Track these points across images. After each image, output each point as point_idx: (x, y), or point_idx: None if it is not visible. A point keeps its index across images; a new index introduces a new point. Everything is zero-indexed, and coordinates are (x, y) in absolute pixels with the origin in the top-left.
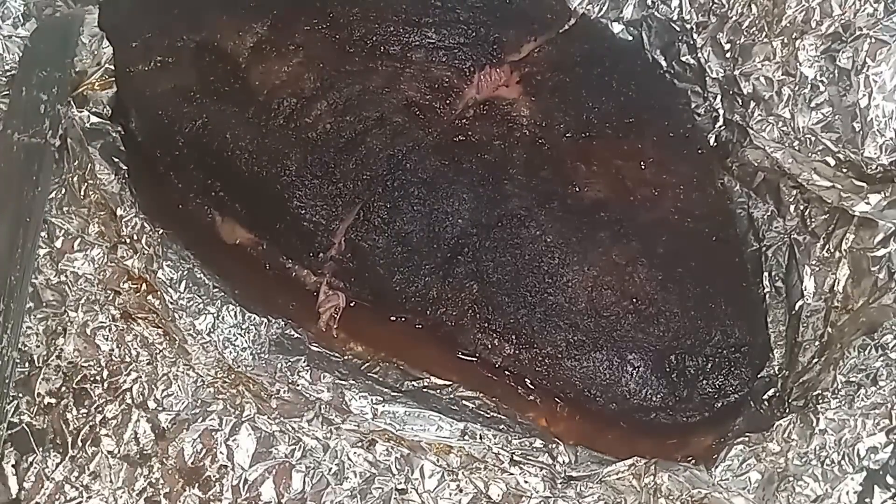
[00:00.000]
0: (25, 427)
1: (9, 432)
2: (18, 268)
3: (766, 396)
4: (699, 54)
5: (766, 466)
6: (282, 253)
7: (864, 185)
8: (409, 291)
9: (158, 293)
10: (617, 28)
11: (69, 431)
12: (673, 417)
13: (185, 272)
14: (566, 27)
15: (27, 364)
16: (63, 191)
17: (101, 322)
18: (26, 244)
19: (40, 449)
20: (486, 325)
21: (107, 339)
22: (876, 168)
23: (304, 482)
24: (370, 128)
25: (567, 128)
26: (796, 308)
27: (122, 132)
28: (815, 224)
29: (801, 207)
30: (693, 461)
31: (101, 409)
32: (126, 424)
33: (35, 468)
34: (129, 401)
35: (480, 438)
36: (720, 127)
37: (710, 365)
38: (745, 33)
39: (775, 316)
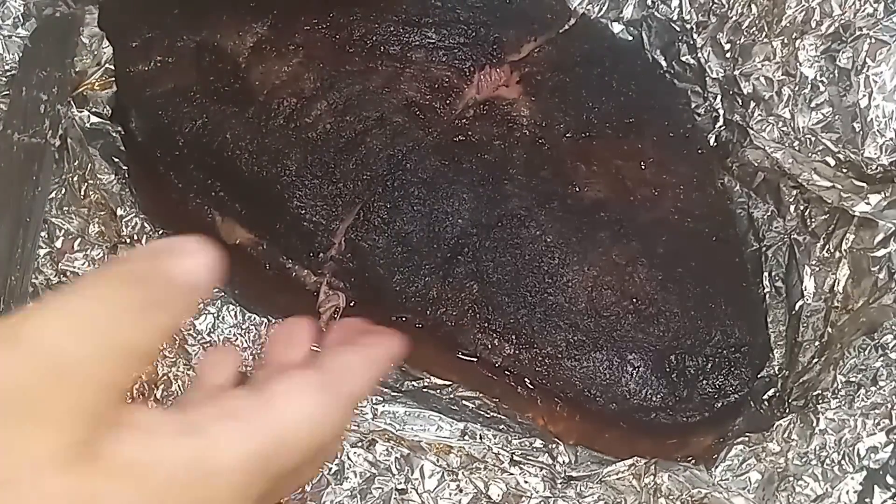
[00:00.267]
0: None
1: None
2: (18, 268)
3: (766, 396)
4: (699, 54)
5: (766, 466)
6: (282, 253)
7: (864, 185)
8: (409, 291)
9: None
10: (617, 28)
11: None
12: (673, 417)
13: None
14: (566, 27)
15: None
16: (63, 191)
17: None
18: (26, 244)
19: None
20: (486, 325)
21: None
22: (876, 168)
23: None
24: (370, 128)
25: (567, 128)
26: (796, 308)
27: (122, 132)
28: (815, 224)
29: (801, 207)
30: (693, 461)
31: None
32: None
33: None
34: (128, 401)
35: (480, 438)
36: (720, 127)
37: (710, 365)
38: (745, 33)
39: (775, 316)
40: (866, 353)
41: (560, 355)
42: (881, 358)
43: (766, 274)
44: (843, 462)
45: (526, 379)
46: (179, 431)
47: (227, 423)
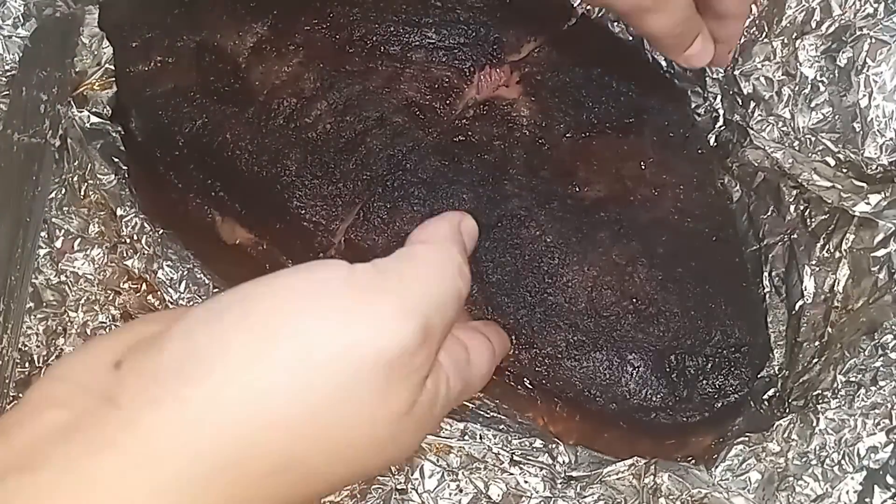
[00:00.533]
0: None
1: None
2: (18, 268)
3: (765, 396)
4: None
5: (766, 466)
6: (282, 253)
7: (864, 185)
8: None
9: (158, 293)
10: (617, 28)
11: None
12: (673, 417)
13: (185, 272)
14: (566, 27)
15: (27, 364)
16: (63, 191)
17: (102, 322)
18: (26, 244)
19: None
20: None
21: None
22: (876, 168)
23: None
24: (370, 128)
25: (567, 128)
26: (796, 308)
27: (122, 132)
28: (815, 224)
29: (801, 207)
30: (693, 461)
31: None
32: None
33: None
34: None
35: (480, 438)
36: (720, 127)
37: (710, 365)
38: (745, 33)
39: (775, 316)
40: (866, 353)
41: (560, 355)
42: (881, 358)
43: (766, 274)
44: (843, 462)
45: (526, 379)
46: None
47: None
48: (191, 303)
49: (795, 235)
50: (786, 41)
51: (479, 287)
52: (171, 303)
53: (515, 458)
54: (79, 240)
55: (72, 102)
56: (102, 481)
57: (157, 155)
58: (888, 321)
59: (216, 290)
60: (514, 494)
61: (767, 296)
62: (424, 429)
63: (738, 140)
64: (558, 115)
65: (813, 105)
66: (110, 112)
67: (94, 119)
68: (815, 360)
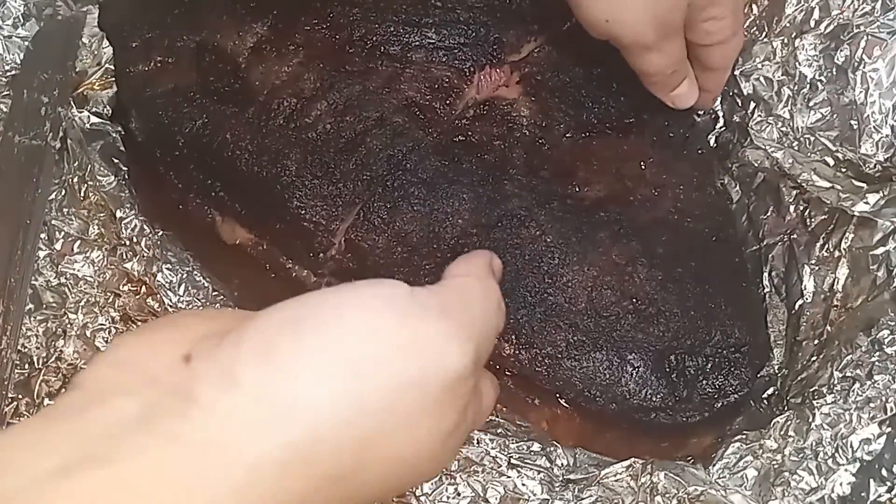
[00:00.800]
0: None
1: None
2: (18, 270)
3: (765, 395)
4: None
5: (762, 463)
6: (282, 253)
7: (863, 185)
8: None
9: (158, 296)
10: None
11: None
12: (673, 417)
13: (185, 275)
14: (566, 27)
15: (27, 366)
16: (63, 192)
17: (101, 324)
18: (26, 246)
19: None
20: None
21: (106, 342)
22: (874, 166)
23: None
24: (370, 128)
25: (567, 128)
26: (796, 307)
27: (122, 132)
28: (815, 224)
29: (801, 208)
30: (692, 460)
31: None
32: None
33: None
34: None
35: (478, 442)
36: (720, 128)
37: (710, 365)
38: (746, 33)
39: (775, 315)
40: (863, 348)
41: (560, 355)
42: (877, 353)
43: (766, 274)
44: (836, 455)
45: (526, 380)
46: None
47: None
48: (190, 306)
49: (795, 235)
50: (786, 41)
51: None
52: (171, 306)
53: (513, 461)
54: (78, 242)
55: (72, 102)
56: (180, 475)
57: (157, 155)
58: (885, 317)
59: (215, 292)
60: (512, 497)
61: (767, 296)
62: (457, 450)
63: (737, 140)
64: (558, 115)
65: (812, 104)
66: (110, 112)
67: (94, 119)
68: (814, 358)
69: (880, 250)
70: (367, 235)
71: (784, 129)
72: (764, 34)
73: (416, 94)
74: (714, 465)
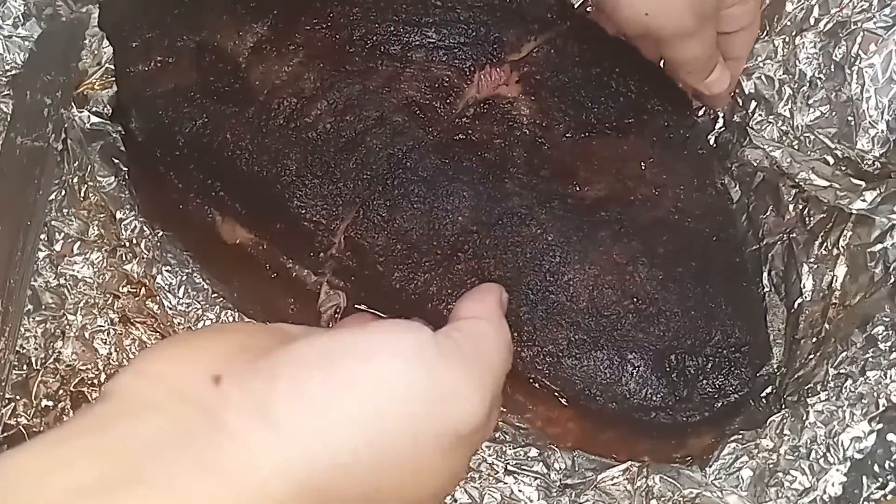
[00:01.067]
0: (22, 429)
1: (5, 435)
2: (18, 270)
3: (763, 394)
4: None
5: (758, 463)
6: (282, 253)
7: (861, 182)
8: (409, 289)
9: (157, 298)
10: None
11: None
12: (673, 417)
13: (185, 277)
14: (566, 27)
15: (25, 367)
16: (63, 192)
17: (100, 326)
18: (26, 247)
19: None
20: None
21: (105, 343)
22: (872, 163)
23: None
24: (370, 127)
25: (567, 128)
26: (795, 306)
27: (123, 132)
28: (814, 222)
29: (800, 207)
30: (690, 461)
31: None
32: None
33: None
34: None
35: None
36: (720, 128)
37: (710, 365)
38: None
39: (775, 314)
40: (857, 345)
41: (561, 353)
42: (871, 349)
43: (765, 273)
44: (828, 454)
45: (527, 378)
46: None
47: None
48: (190, 308)
49: (794, 234)
50: (787, 39)
51: (480, 283)
52: (170, 308)
53: (510, 467)
54: (78, 243)
55: (73, 103)
56: (203, 501)
57: (158, 155)
58: (881, 313)
59: (215, 294)
60: (509, 503)
61: (767, 295)
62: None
63: (737, 140)
64: (558, 115)
65: (811, 102)
66: (110, 112)
67: (94, 119)
68: (812, 356)
69: (878, 247)
70: (367, 233)
71: (784, 127)
72: (765, 32)
73: (416, 94)
74: (711, 466)
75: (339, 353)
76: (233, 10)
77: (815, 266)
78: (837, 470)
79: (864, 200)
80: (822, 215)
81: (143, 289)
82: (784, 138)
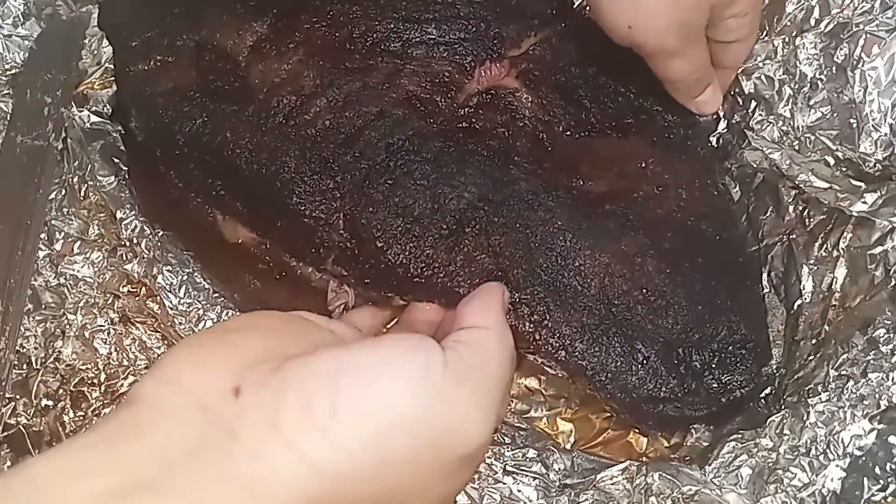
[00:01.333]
0: (22, 429)
1: (5, 434)
2: (18, 270)
3: (762, 395)
4: None
5: (757, 461)
6: (284, 250)
7: (861, 184)
8: (413, 266)
9: (158, 298)
10: None
11: (66, 434)
12: (680, 410)
13: (185, 277)
14: (565, 24)
15: (25, 366)
16: (63, 192)
17: (100, 325)
18: (26, 246)
19: (36, 451)
20: None
21: (105, 343)
22: (874, 165)
23: None
24: (370, 122)
25: (566, 126)
26: (795, 307)
27: (123, 131)
28: (814, 224)
29: (800, 208)
30: (689, 459)
31: (98, 412)
32: None
33: None
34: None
35: None
36: (721, 128)
37: (716, 360)
38: None
39: (774, 315)
40: (858, 347)
41: (574, 336)
42: (872, 352)
43: (765, 274)
44: (828, 451)
45: (541, 361)
46: None
47: None
48: (191, 308)
49: (794, 235)
50: (787, 40)
51: (490, 259)
52: (171, 308)
53: (509, 468)
54: (78, 242)
55: (72, 102)
56: None
57: (158, 154)
58: (881, 316)
59: (216, 294)
60: (509, 503)
61: (767, 296)
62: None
63: (738, 141)
64: (557, 112)
65: (812, 103)
66: (110, 112)
67: (94, 119)
68: (811, 358)
69: (878, 249)
70: (368, 225)
71: (785, 128)
72: (765, 33)
73: (416, 89)
74: (710, 464)
75: (348, 368)
76: (232, 10)
77: (815, 268)
78: (837, 465)
79: (864, 202)
80: (822, 217)
81: (143, 288)
82: (784, 139)
